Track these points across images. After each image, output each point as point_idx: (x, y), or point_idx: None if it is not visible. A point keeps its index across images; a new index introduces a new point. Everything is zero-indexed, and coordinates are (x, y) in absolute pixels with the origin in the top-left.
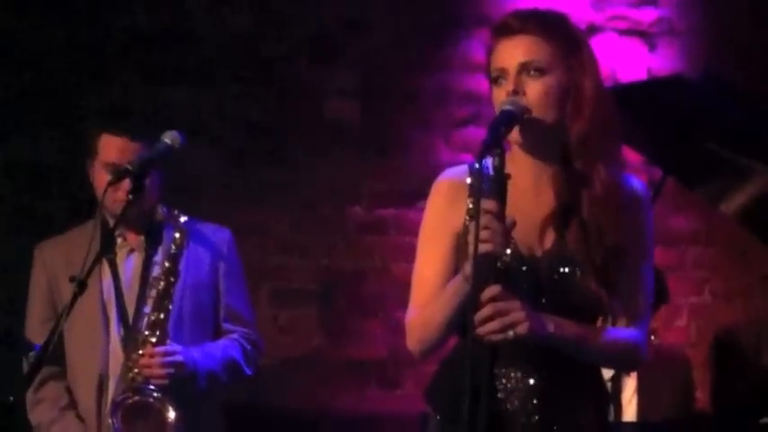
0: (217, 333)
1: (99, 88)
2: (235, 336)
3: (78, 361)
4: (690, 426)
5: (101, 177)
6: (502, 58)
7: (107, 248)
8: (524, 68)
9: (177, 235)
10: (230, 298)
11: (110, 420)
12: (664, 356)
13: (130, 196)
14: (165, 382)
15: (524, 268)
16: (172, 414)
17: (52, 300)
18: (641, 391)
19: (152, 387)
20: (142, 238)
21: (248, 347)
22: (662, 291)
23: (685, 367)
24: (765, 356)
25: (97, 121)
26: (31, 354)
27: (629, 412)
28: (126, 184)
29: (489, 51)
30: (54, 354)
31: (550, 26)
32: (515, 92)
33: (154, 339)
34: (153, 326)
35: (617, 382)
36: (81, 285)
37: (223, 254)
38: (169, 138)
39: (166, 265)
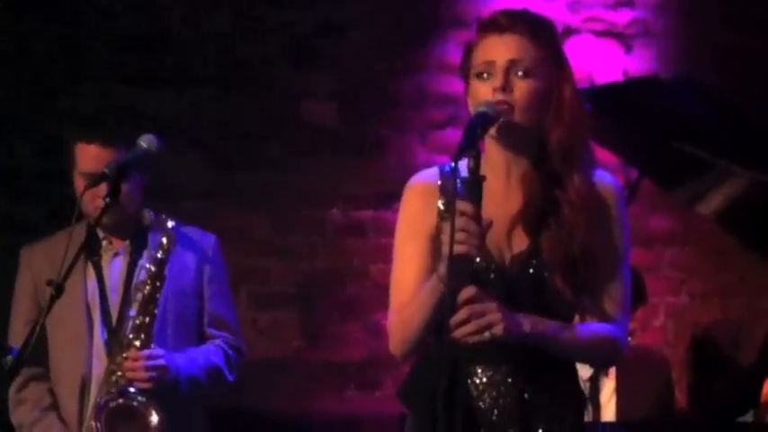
0: (201, 338)
1: (77, 91)
2: (218, 342)
3: (61, 362)
4: (667, 425)
5: (80, 187)
6: (490, 52)
7: (91, 251)
8: (513, 67)
9: (164, 240)
10: (214, 303)
11: (93, 423)
12: (642, 357)
13: (107, 200)
14: (148, 386)
15: (493, 268)
16: (155, 418)
17: (37, 302)
18: (620, 391)
19: (135, 391)
20: (128, 242)
21: (231, 353)
22: (640, 292)
23: (664, 367)
24: (742, 356)
25: (72, 129)
26: (9, 357)
27: (608, 412)
28: (102, 189)
29: (471, 47)
30: (37, 355)
31: (539, 30)
32: (503, 88)
33: (138, 343)
34: (138, 330)
35: (595, 382)
36: (58, 289)
37: (208, 259)
38: (146, 141)
39: (152, 269)
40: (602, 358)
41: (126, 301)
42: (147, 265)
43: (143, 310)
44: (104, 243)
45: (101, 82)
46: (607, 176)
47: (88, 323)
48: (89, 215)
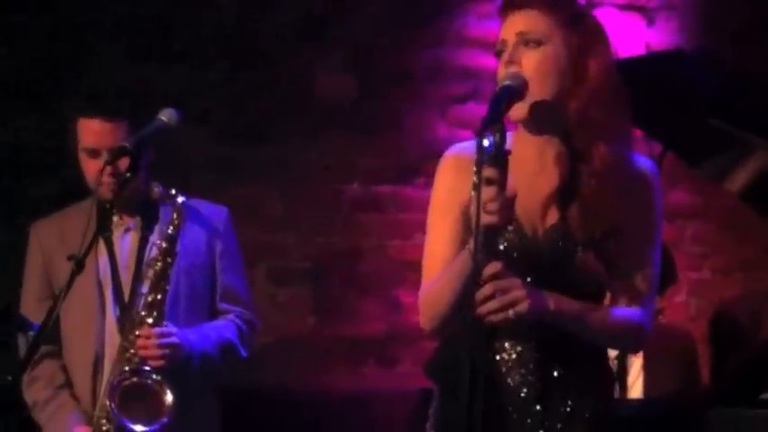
0: (213, 313)
1: (84, 69)
2: (231, 316)
3: (74, 340)
4: (693, 402)
5: (84, 163)
6: (504, 30)
7: (102, 227)
8: (522, 39)
9: (175, 215)
10: (227, 277)
11: (107, 402)
12: (669, 334)
13: (128, 174)
14: (161, 363)
15: (524, 242)
16: (169, 397)
17: (47, 278)
18: (647, 368)
19: (149, 369)
20: (138, 217)
21: (244, 328)
22: (669, 271)
23: (691, 345)
24: (764, 331)
25: (74, 106)
26: (30, 333)
27: (636, 389)
28: (109, 166)
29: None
30: (50, 332)
31: (555, 3)
32: (510, 62)
33: (150, 320)
34: (150, 307)
35: (623, 359)
36: (79, 264)
37: (219, 232)
38: (165, 115)
39: (163, 245)
40: (625, 343)
41: (138, 278)
42: (158, 242)
43: (155, 287)
44: (115, 219)
45: (109, 59)
46: (644, 160)
47: (100, 300)
48: (101, 190)
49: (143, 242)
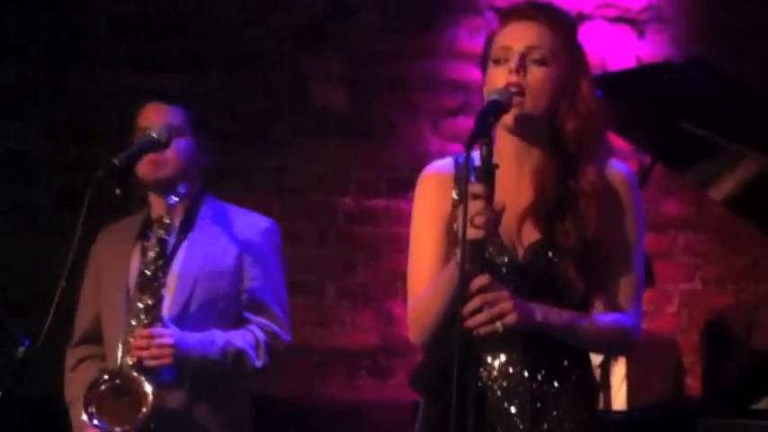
0: (239, 320)
1: (85, 75)
2: (252, 326)
3: (107, 344)
4: (680, 412)
5: None
6: (509, 38)
7: (143, 235)
8: (529, 53)
9: (167, 220)
10: (255, 287)
11: (85, 411)
12: (653, 343)
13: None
14: (155, 363)
15: (506, 258)
16: (148, 388)
17: (97, 283)
18: (630, 377)
19: (124, 370)
20: (178, 225)
21: (263, 338)
22: (648, 274)
23: (675, 353)
24: (756, 341)
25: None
26: (21, 348)
27: (619, 398)
28: (151, 154)
29: (492, 36)
30: (96, 335)
31: (559, 21)
32: (517, 71)
33: (145, 323)
34: (146, 311)
35: (606, 368)
36: (67, 280)
37: (254, 242)
38: (155, 131)
39: (156, 250)
40: (615, 348)
41: (140, 284)
42: (147, 244)
43: (148, 291)
44: (155, 225)
45: (109, 66)
46: (620, 166)
47: (125, 305)
48: (142, 180)
49: (176, 244)
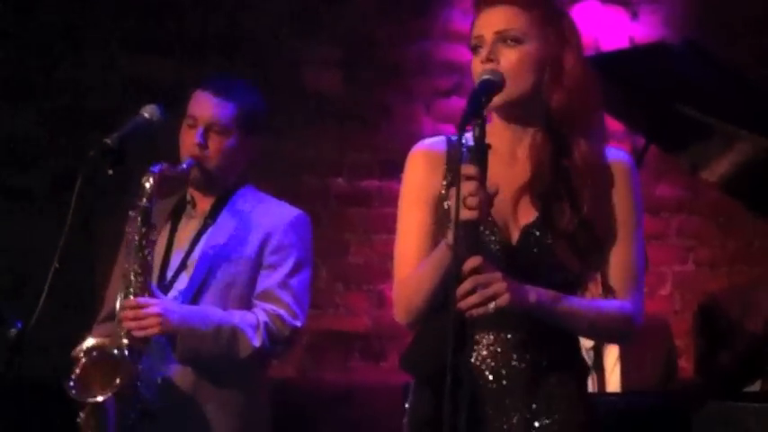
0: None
1: (80, 60)
2: (256, 309)
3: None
4: (674, 395)
5: (182, 133)
6: (480, 25)
7: (176, 215)
8: (501, 37)
9: (147, 185)
10: (268, 275)
11: (67, 387)
12: (645, 325)
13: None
14: (142, 333)
15: (499, 238)
16: (115, 351)
17: None
18: (624, 359)
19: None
20: (209, 206)
21: (264, 319)
22: None
23: (667, 335)
24: (749, 324)
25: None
26: (12, 330)
27: (613, 381)
28: (195, 134)
29: (472, 24)
30: None
31: (532, 0)
32: (489, 59)
33: (133, 293)
34: (135, 280)
35: (599, 351)
36: (60, 264)
37: (278, 229)
38: (147, 111)
39: (138, 217)
40: (612, 334)
41: (166, 262)
42: (132, 213)
43: (135, 260)
44: (188, 207)
45: (104, 51)
46: (620, 153)
47: (149, 285)
48: (183, 155)
49: (203, 228)
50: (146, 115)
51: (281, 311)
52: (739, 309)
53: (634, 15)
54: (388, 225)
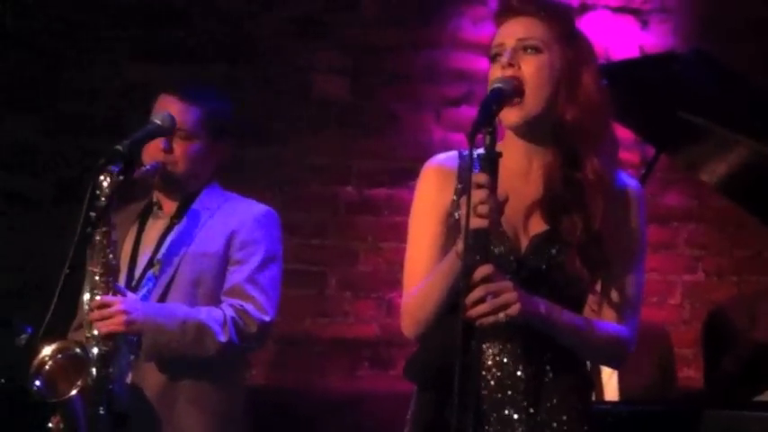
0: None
1: (86, 67)
2: (223, 305)
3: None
4: (682, 404)
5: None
6: (502, 34)
7: (143, 217)
8: (522, 45)
9: (105, 184)
10: (236, 270)
11: (34, 389)
12: (643, 332)
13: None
14: (106, 331)
15: (509, 250)
16: (77, 349)
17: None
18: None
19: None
20: (176, 207)
21: (231, 315)
22: None
23: (665, 342)
24: (758, 334)
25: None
26: (23, 336)
27: (610, 389)
28: (161, 141)
29: (493, 36)
30: None
31: (552, 12)
32: (510, 64)
33: (98, 294)
34: (100, 280)
35: None
36: (71, 268)
37: (243, 227)
38: (159, 118)
39: (99, 218)
40: (608, 358)
41: (133, 263)
42: (93, 214)
43: (98, 261)
44: (155, 208)
45: (109, 58)
46: (630, 180)
47: (113, 284)
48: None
49: (169, 227)
50: (157, 122)
51: (249, 306)
52: (747, 318)
53: (644, 24)
54: (397, 233)
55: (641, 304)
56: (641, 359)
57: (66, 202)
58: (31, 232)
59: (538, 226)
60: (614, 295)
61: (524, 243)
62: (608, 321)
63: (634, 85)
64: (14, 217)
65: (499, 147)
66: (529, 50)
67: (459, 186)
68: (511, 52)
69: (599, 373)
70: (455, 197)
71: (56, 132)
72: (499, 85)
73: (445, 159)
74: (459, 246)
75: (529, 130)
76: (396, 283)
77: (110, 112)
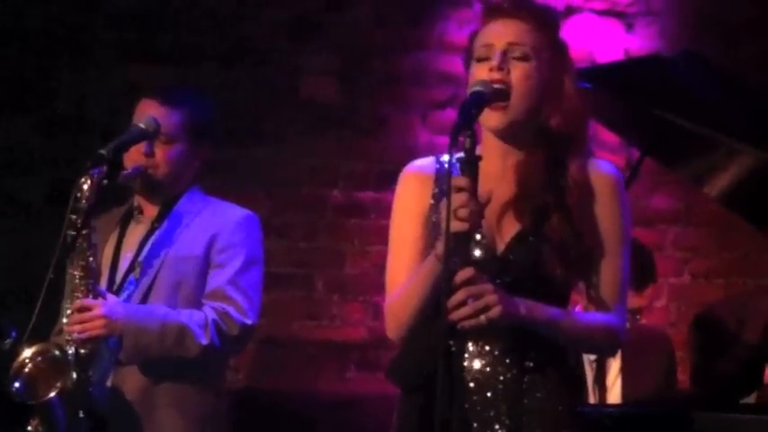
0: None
1: (78, 69)
2: (205, 307)
3: None
4: (670, 407)
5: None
6: (491, 35)
7: (124, 221)
8: (511, 49)
9: (84, 187)
10: (216, 273)
11: (13, 391)
12: (646, 336)
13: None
14: (85, 336)
15: (482, 250)
16: (57, 351)
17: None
18: (625, 371)
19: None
20: (157, 210)
21: (212, 317)
22: (649, 270)
23: (668, 347)
24: (746, 336)
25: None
26: (8, 341)
27: (614, 393)
28: (142, 145)
29: (475, 34)
30: None
31: (542, 18)
32: (500, 68)
33: (78, 297)
34: (80, 283)
35: (601, 364)
36: (56, 271)
37: (224, 231)
38: (143, 122)
39: (78, 221)
40: (599, 346)
41: (114, 265)
42: (73, 216)
43: (78, 264)
44: (136, 213)
45: (101, 59)
46: (606, 165)
47: (94, 287)
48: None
49: (150, 231)
50: (141, 125)
51: (230, 309)
52: (734, 320)
53: (629, 27)
54: (384, 237)
55: (627, 290)
56: (645, 364)
57: (60, 204)
58: (22, 233)
59: (513, 226)
60: (600, 284)
61: (500, 244)
62: (596, 311)
63: (619, 88)
64: (6, 218)
65: (478, 150)
66: (518, 56)
67: (437, 191)
68: (501, 56)
69: (604, 376)
70: (433, 201)
71: (49, 133)
72: (479, 88)
73: (422, 164)
74: (439, 248)
75: (510, 134)
76: (383, 286)
77: (104, 114)
